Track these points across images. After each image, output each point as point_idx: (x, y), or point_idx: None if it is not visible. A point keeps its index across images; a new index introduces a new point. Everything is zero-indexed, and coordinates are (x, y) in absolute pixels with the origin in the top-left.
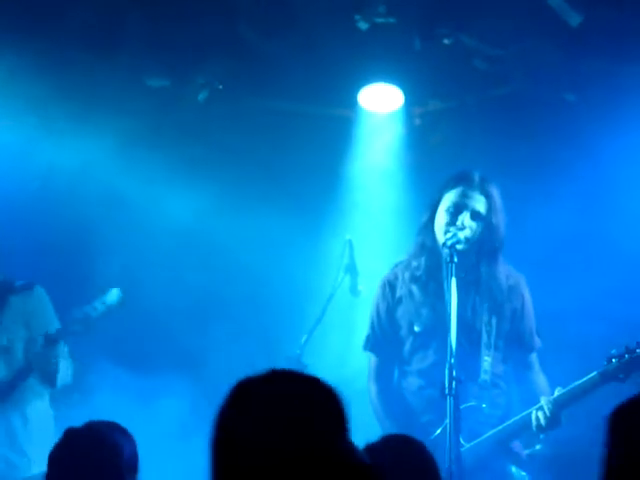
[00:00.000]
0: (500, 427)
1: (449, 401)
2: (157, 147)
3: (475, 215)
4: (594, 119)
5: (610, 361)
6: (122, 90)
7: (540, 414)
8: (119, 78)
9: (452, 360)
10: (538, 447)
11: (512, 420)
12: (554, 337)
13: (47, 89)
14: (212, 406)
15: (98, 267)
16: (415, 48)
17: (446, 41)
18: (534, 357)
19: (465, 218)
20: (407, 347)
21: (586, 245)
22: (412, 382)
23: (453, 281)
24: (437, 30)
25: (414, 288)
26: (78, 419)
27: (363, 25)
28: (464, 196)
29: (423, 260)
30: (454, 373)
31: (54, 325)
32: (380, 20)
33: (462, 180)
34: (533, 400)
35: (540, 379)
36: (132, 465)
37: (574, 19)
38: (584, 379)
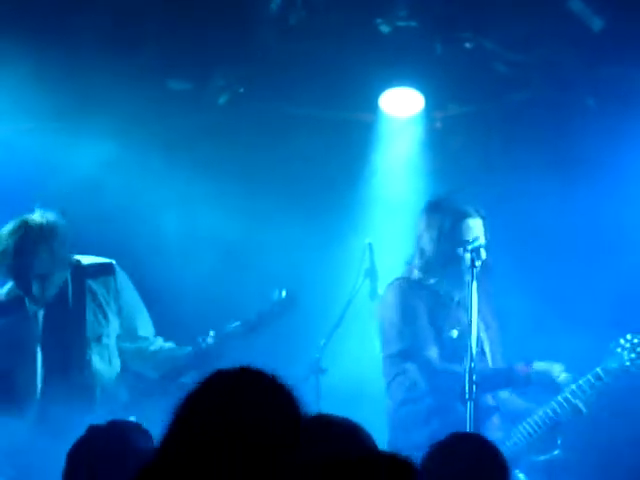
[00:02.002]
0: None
1: (469, 406)
2: (177, 150)
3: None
4: (614, 123)
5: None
6: (143, 93)
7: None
8: (140, 81)
9: (472, 364)
10: (556, 452)
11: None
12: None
13: (67, 92)
14: None
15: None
16: (436, 52)
17: (467, 45)
18: None
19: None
20: (446, 352)
21: (606, 248)
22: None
23: (474, 286)
24: (458, 34)
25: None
26: None
27: (385, 29)
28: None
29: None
30: (474, 377)
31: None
32: (401, 24)
33: (470, 211)
34: None
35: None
36: None
37: (596, 24)
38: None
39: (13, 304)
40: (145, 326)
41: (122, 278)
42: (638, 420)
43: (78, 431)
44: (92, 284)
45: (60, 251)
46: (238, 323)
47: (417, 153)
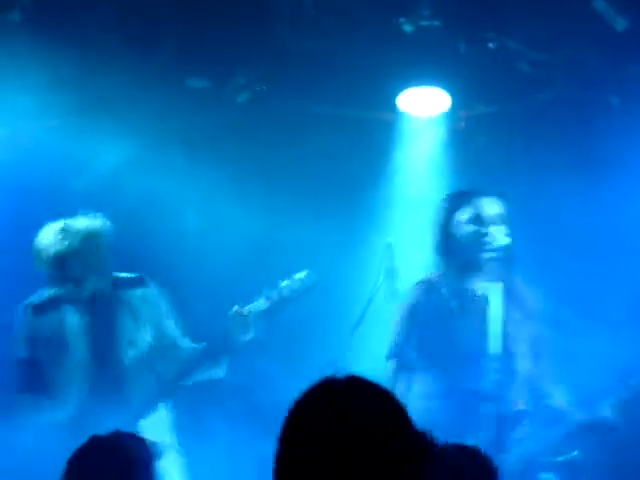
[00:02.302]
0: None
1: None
2: (197, 148)
3: (496, 219)
4: (637, 122)
5: None
6: (163, 90)
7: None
8: (160, 79)
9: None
10: (575, 453)
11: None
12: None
13: (88, 90)
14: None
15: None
16: (460, 52)
17: (491, 45)
18: None
19: (489, 226)
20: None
21: (629, 247)
22: None
23: (490, 289)
24: (482, 34)
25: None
26: None
27: (408, 28)
28: (478, 206)
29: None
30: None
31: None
32: (425, 23)
33: (464, 195)
34: None
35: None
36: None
37: (620, 24)
38: None
39: (52, 305)
40: (178, 337)
41: (153, 288)
42: None
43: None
44: (126, 293)
45: (101, 256)
46: (262, 299)
47: (439, 153)
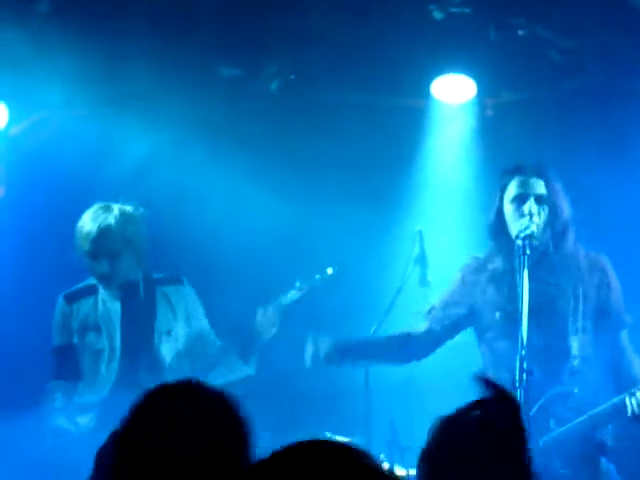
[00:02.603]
0: (591, 413)
1: (520, 394)
2: (227, 136)
3: (539, 199)
4: None
5: None
6: (193, 78)
7: (634, 400)
8: (190, 66)
9: (523, 352)
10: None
11: (603, 406)
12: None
13: (117, 79)
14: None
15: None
16: (490, 39)
17: (521, 32)
18: (625, 335)
19: (531, 206)
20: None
21: None
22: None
23: (525, 274)
24: (512, 21)
25: (490, 289)
26: None
27: (438, 15)
28: (523, 184)
29: (499, 261)
30: (525, 365)
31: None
32: (455, 10)
33: (517, 170)
34: (628, 383)
35: (634, 362)
36: None
37: None
38: None
39: (87, 292)
40: (208, 337)
41: (189, 287)
42: None
43: None
44: (163, 287)
45: (137, 239)
46: (294, 292)
47: (469, 140)
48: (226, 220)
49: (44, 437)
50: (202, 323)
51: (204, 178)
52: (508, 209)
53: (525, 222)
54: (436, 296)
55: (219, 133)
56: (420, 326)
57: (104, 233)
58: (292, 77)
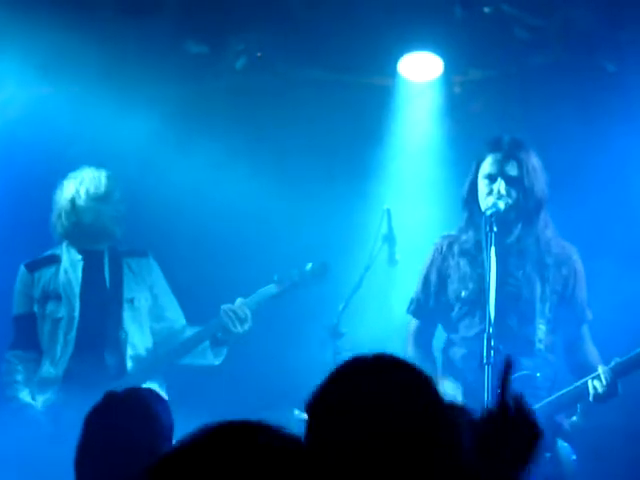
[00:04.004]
0: (552, 397)
1: (487, 370)
2: (195, 113)
3: (509, 180)
4: (634, 89)
5: None
6: (160, 56)
7: (597, 383)
8: (157, 43)
9: (490, 330)
10: (574, 419)
11: (565, 390)
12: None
13: (84, 57)
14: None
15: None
16: (456, 16)
17: (487, 9)
18: (586, 329)
19: (501, 185)
20: (454, 314)
21: (627, 218)
22: (457, 351)
23: (492, 250)
24: None
25: (462, 262)
26: None
27: None
28: (496, 163)
29: (471, 234)
30: (492, 342)
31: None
32: None
33: (493, 147)
34: (583, 371)
35: (592, 350)
36: (168, 435)
37: None
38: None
39: (49, 261)
40: (173, 310)
41: (154, 263)
42: None
43: (103, 388)
44: (127, 258)
45: (110, 207)
46: (272, 285)
47: (436, 118)
48: (196, 199)
49: (5, 409)
50: (167, 299)
51: (172, 157)
52: (481, 184)
53: (492, 200)
54: (414, 286)
55: (186, 110)
56: (412, 324)
57: (111, 182)
58: (258, 55)
